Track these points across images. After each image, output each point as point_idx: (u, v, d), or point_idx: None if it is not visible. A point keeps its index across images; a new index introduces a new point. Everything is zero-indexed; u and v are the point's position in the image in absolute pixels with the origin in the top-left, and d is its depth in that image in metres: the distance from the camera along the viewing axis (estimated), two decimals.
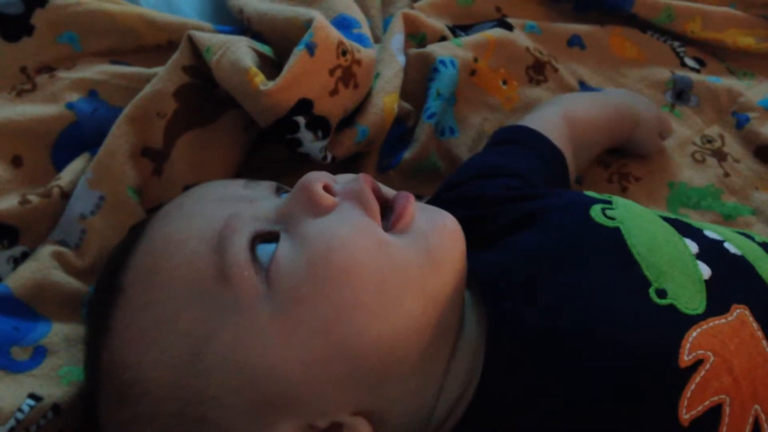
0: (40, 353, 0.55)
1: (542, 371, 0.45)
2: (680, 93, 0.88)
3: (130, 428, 0.46)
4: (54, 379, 0.53)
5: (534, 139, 0.68)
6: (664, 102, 0.88)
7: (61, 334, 0.56)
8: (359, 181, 0.49)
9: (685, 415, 0.43)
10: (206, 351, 0.44)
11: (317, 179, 0.48)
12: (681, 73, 0.90)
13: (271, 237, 0.46)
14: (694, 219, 0.76)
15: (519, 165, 0.64)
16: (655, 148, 0.81)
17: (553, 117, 0.72)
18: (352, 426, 0.44)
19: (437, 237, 0.48)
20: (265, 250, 0.46)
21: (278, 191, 0.53)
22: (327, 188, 0.48)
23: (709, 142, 0.84)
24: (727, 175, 0.81)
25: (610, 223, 0.52)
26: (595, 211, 0.53)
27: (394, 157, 0.76)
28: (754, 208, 0.78)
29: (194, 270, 0.45)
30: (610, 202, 0.55)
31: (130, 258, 0.49)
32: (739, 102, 0.87)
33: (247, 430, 0.44)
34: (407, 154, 0.75)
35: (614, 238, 0.51)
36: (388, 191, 0.51)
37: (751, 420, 0.44)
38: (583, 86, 0.87)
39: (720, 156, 0.83)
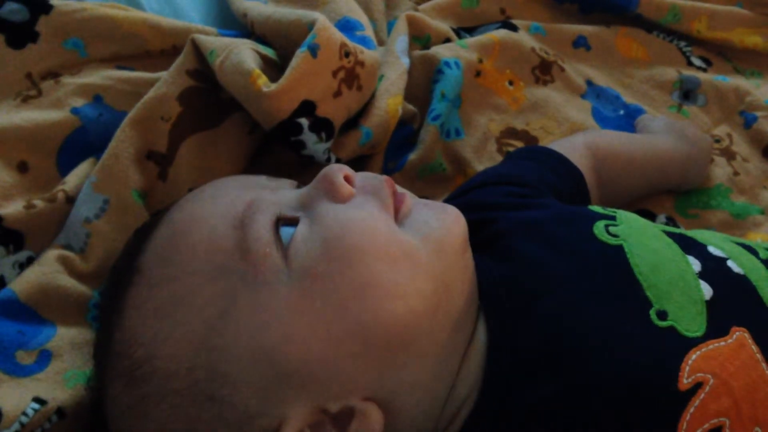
0: (45, 357, 0.55)
1: (540, 389, 0.45)
2: (687, 93, 0.88)
3: (138, 410, 0.46)
4: (59, 383, 0.53)
5: (549, 157, 0.67)
6: (671, 102, 0.87)
7: (66, 338, 0.56)
8: (380, 179, 0.51)
9: None
10: (222, 326, 0.44)
11: (339, 169, 0.50)
12: (688, 72, 0.89)
13: (292, 222, 0.48)
14: (704, 219, 0.76)
15: (528, 175, 0.63)
16: (706, 171, 0.79)
17: (575, 143, 0.71)
18: (363, 411, 0.44)
19: (438, 223, 0.50)
20: (285, 232, 0.47)
21: (298, 187, 0.54)
22: (347, 179, 0.50)
23: (717, 141, 0.83)
24: (736, 174, 0.80)
25: (613, 241, 0.52)
26: (599, 228, 0.53)
27: (400, 160, 0.76)
28: (763, 207, 0.77)
29: (215, 245, 0.46)
30: (614, 218, 0.55)
31: (148, 241, 0.49)
32: (747, 101, 0.87)
33: (258, 411, 0.44)
34: (412, 156, 0.75)
35: (617, 256, 0.51)
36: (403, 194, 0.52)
37: None
38: (591, 85, 0.87)
39: (729, 155, 0.82)
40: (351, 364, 0.44)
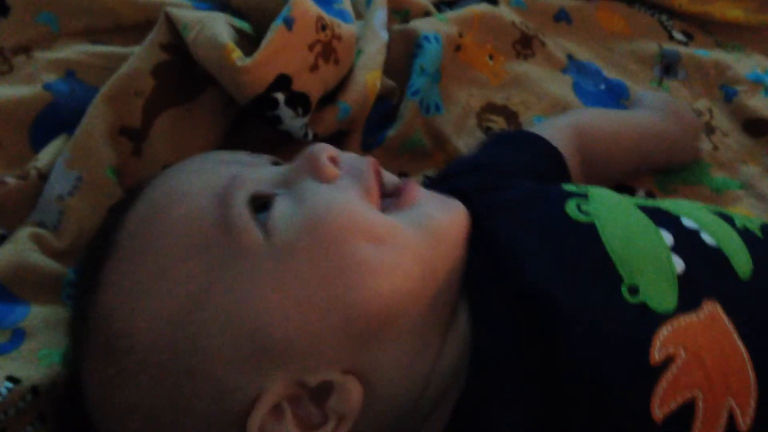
0: (18, 336, 0.54)
1: (520, 372, 0.46)
2: (668, 67, 0.88)
3: (114, 384, 0.45)
4: (33, 361, 0.52)
5: (528, 139, 0.67)
6: (651, 76, 0.87)
7: (40, 316, 0.55)
8: (365, 163, 0.51)
9: (658, 412, 0.43)
10: (204, 300, 0.44)
11: (323, 149, 0.50)
12: (669, 46, 0.89)
13: (269, 198, 0.48)
14: (683, 194, 0.76)
15: (503, 161, 0.63)
16: (693, 155, 0.79)
17: (560, 124, 0.71)
18: (342, 385, 0.44)
19: (440, 214, 0.50)
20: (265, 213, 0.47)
21: (276, 165, 0.54)
22: (332, 160, 0.50)
23: (698, 115, 0.83)
24: (716, 148, 0.80)
25: (584, 219, 0.52)
26: (570, 207, 0.53)
27: (379, 135, 0.75)
28: (742, 182, 0.77)
29: (197, 221, 0.46)
30: (585, 195, 0.54)
31: (125, 217, 0.49)
32: (728, 75, 0.86)
33: (237, 384, 0.44)
34: (392, 132, 0.75)
35: (588, 234, 0.50)
36: (391, 180, 0.53)
37: (725, 413, 0.44)
38: (572, 60, 0.86)
39: (708, 130, 0.82)
40: (331, 339, 0.44)
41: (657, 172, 0.77)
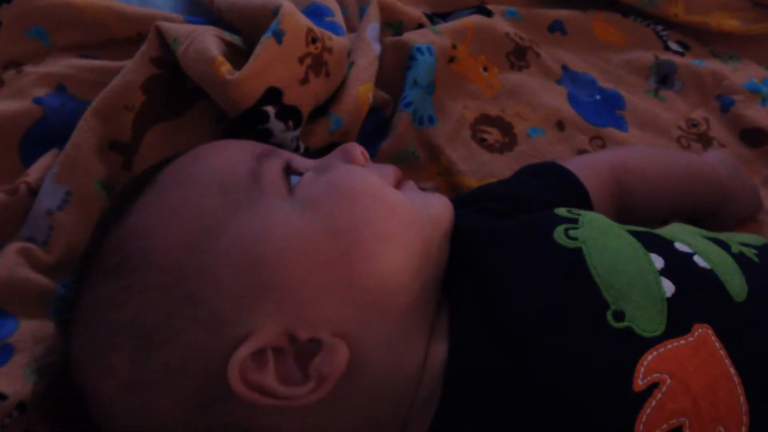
0: (6, 351, 0.54)
1: (499, 400, 0.45)
2: (664, 77, 0.87)
3: (115, 301, 0.46)
4: (20, 377, 0.52)
5: (552, 173, 0.65)
6: (647, 87, 0.87)
7: (28, 331, 0.55)
8: (391, 166, 0.56)
9: None
10: (221, 231, 0.46)
11: (356, 145, 0.55)
12: (665, 57, 0.89)
13: (300, 174, 0.52)
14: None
15: (513, 191, 0.62)
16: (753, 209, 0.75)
17: (599, 161, 0.69)
18: (330, 346, 0.44)
19: (435, 201, 0.54)
20: (294, 178, 0.51)
21: None
22: (363, 154, 0.54)
23: (695, 126, 0.83)
24: None
25: (571, 244, 0.51)
26: (558, 233, 0.52)
27: (372, 147, 0.75)
28: None
29: (232, 167, 0.51)
30: (576, 221, 0.54)
31: (171, 163, 0.53)
32: (724, 85, 0.86)
33: (231, 317, 0.44)
34: (385, 144, 0.74)
35: (575, 260, 0.50)
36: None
37: None
38: (567, 71, 0.86)
39: (705, 141, 0.81)
40: (330, 296, 0.45)
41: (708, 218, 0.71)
